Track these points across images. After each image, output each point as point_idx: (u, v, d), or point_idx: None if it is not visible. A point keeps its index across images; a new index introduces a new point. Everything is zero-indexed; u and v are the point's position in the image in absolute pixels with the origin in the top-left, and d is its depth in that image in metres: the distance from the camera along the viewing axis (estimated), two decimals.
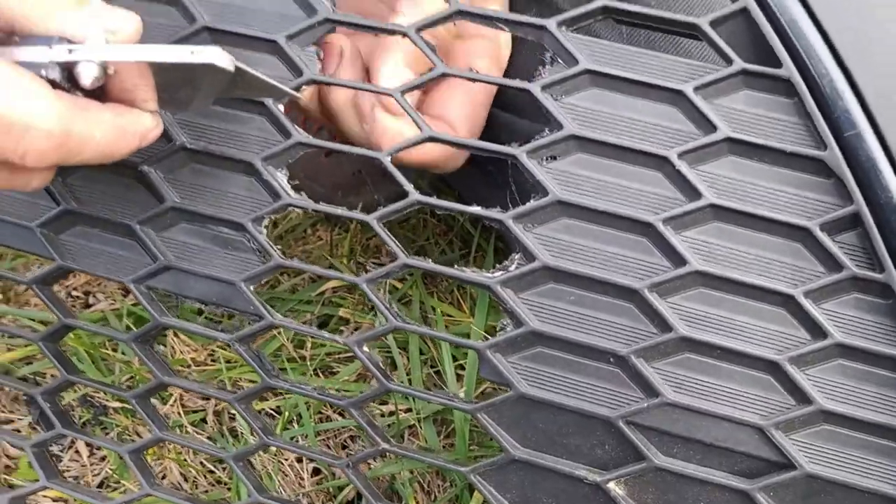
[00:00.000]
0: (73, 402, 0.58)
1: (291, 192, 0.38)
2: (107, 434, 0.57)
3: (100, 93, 0.32)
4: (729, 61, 0.34)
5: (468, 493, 0.52)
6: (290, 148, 0.38)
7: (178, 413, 0.56)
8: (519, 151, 0.35)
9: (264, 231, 0.39)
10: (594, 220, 0.35)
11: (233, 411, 0.57)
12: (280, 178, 0.38)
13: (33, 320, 0.62)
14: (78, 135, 0.30)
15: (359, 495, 0.53)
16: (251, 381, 0.58)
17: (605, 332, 0.36)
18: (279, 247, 0.39)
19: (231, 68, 0.32)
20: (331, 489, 0.53)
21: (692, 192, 0.35)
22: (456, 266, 0.37)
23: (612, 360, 0.36)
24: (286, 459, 0.53)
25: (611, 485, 0.36)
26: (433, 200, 0.36)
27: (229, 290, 0.39)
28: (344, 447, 0.55)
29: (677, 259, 0.35)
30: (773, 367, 0.35)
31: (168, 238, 0.40)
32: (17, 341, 0.61)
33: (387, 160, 0.37)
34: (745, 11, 0.34)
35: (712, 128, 0.34)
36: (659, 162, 0.35)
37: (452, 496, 0.52)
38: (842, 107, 0.33)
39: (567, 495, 0.37)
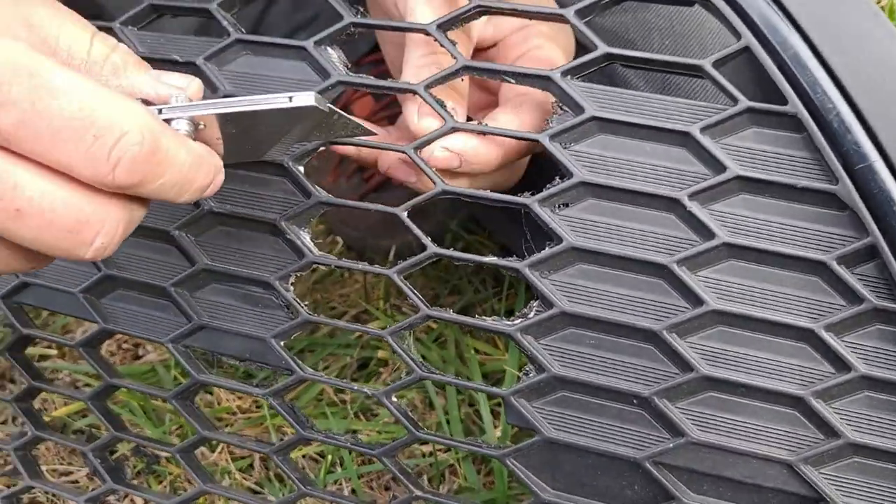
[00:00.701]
0: (126, 453, 0.60)
1: (315, 250, 0.40)
2: (160, 482, 0.59)
3: None
4: (734, 100, 0.34)
5: None
6: (311, 207, 0.39)
7: (227, 460, 0.58)
8: (531, 201, 0.36)
9: (291, 288, 0.40)
10: (609, 264, 0.36)
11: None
12: (303, 237, 0.40)
13: (88, 374, 0.65)
14: (165, 149, 0.29)
15: None
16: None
17: (627, 374, 0.36)
18: (318, 293, 0.40)
19: (327, 110, 0.33)
20: None
21: (705, 231, 0.35)
22: (479, 311, 0.38)
23: (635, 401, 0.36)
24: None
25: None
26: (451, 252, 0.37)
27: (261, 346, 0.41)
28: (387, 489, 0.56)
29: (694, 299, 0.35)
30: (798, 402, 0.35)
31: (201, 298, 0.42)
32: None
33: (403, 215, 0.38)
34: (747, 50, 0.35)
35: (721, 167, 0.35)
36: (670, 204, 0.35)
37: None
38: (851, 140, 0.33)
39: None
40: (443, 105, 0.38)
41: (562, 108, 0.37)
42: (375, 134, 0.38)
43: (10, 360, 0.47)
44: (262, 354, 0.41)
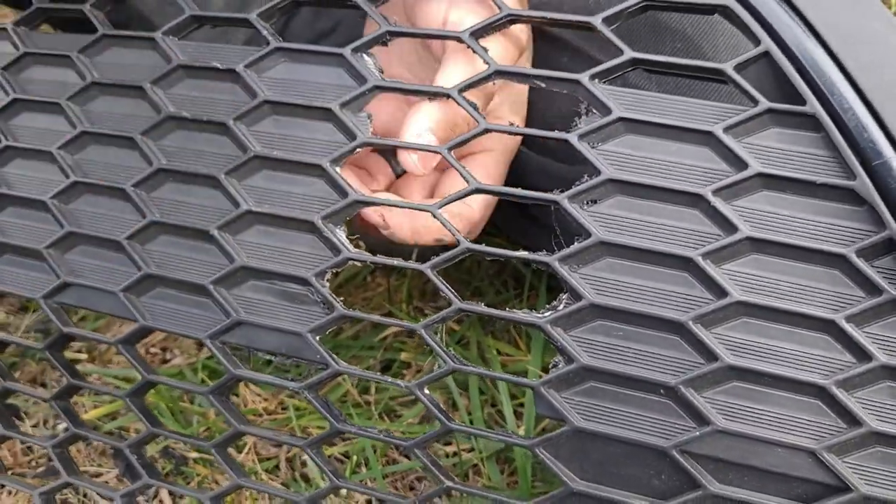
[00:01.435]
0: (155, 455, 0.61)
1: (351, 247, 0.41)
2: (188, 483, 0.60)
3: None
4: (755, 102, 0.36)
5: None
6: (347, 206, 0.41)
7: (253, 461, 0.59)
8: (561, 198, 0.38)
9: (327, 284, 0.41)
10: (636, 258, 0.37)
11: (303, 458, 0.59)
12: (339, 235, 0.41)
13: (117, 377, 0.66)
14: None
15: None
16: (319, 428, 0.61)
17: (654, 364, 0.37)
18: (341, 297, 0.41)
19: None
20: None
21: (728, 226, 0.36)
22: (507, 308, 0.39)
23: (662, 391, 0.37)
24: (357, 502, 0.55)
25: None
26: (482, 248, 0.39)
27: (297, 342, 0.42)
28: (411, 488, 0.57)
29: (719, 291, 0.36)
30: (820, 392, 0.36)
31: (238, 295, 0.43)
32: (101, 398, 0.65)
33: (437, 211, 0.39)
34: (766, 55, 0.36)
35: (743, 165, 0.36)
36: (694, 199, 0.37)
37: None
38: (867, 138, 0.35)
39: None
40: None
41: (588, 111, 0.38)
42: None
43: (51, 359, 0.48)
44: (298, 349, 0.42)
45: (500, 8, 0.40)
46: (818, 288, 0.36)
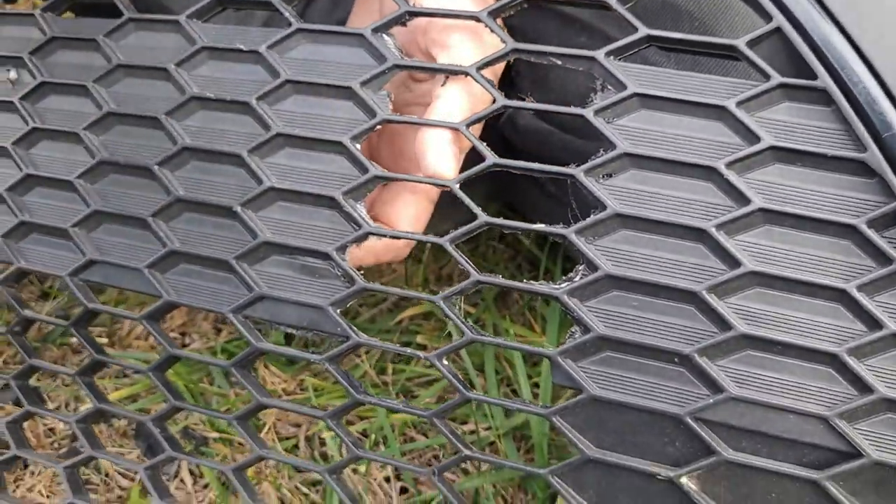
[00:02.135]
0: (175, 434, 0.62)
1: (370, 222, 0.42)
2: None
3: None
4: (767, 77, 0.37)
5: None
6: (367, 182, 0.42)
7: (273, 440, 0.60)
8: (577, 171, 0.39)
9: (347, 258, 0.42)
10: (651, 229, 0.38)
11: (322, 436, 0.60)
12: (360, 210, 0.42)
13: (137, 360, 0.67)
14: None
15: None
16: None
17: (669, 333, 0.38)
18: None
19: None
20: None
21: (741, 198, 0.37)
22: (525, 281, 0.40)
23: (676, 359, 0.38)
24: (375, 479, 0.56)
25: (683, 479, 0.38)
26: (501, 221, 0.40)
27: (318, 315, 0.43)
28: (429, 465, 0.58)
29: (732, 261, 0.37)
30: (832, 360, 0.36)
31: (261, 270, 0.44)
32: (122, 381, 0.66)
33: (455, 187, 0.40)
34: (778, 30, 0.37)
35: (756, 138, 0.37)
36: (708, 172, 0.38)
37: None
38: (877, 110, 0.35)
39: (642, 492, 0.39)
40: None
41: (604, 87, 0.39)
42: None
43: (76, 335, 0.49)
44: (319, 323, 0.43)
45: None
46: (830, 258, 0.37)
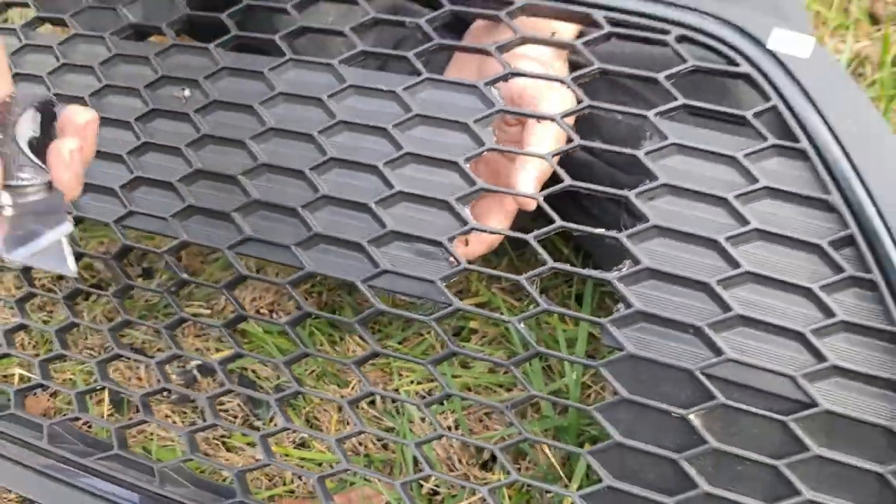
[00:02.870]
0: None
1: (473, 220, 0.58)
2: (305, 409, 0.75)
3: None
4: (765, 139, 0.54)
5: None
6: (474, 192, 0.58)
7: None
8: (630, 194, 0.55)
9: (456, 244, 0.58)
10: (678, 238, 0.54)
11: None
12: (466, 212, 0.58)
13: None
14: None
15: (493, 457, 0.71)
16: (410, 371, 0.77)
17: (687, 311, 0.54)
18: None
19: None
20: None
21: (743, 220, 0.53)
22: (587, 269, 0.56)
23: (691, 330, 0.54)
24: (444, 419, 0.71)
25: (691, 417, 0.54)
26: (574, 226, 0.56)
27: (428, 287, 0.58)
28: (480, 420, 0.73)
29: (734, 263, 0.53)
30: (800, 336, 0.52)
31: (386, 252, 0.60)
32: (224, 344, 0.80)
33: (541, 199, 0.56)
34: (774, 108, 0.54)
35: (755, 179, 0.53)
36: (720, 201, 0.54)
37: (565, 454, 0.69)
38: (839, 167, 0.52)
39: (661, 425, 0.55)
40: None
41: (651, 136, 0.56)
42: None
43: (113, 265, 0.66)
44: (428, 293, 0.59)
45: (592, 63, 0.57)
46: (802, 265, 0.53)
